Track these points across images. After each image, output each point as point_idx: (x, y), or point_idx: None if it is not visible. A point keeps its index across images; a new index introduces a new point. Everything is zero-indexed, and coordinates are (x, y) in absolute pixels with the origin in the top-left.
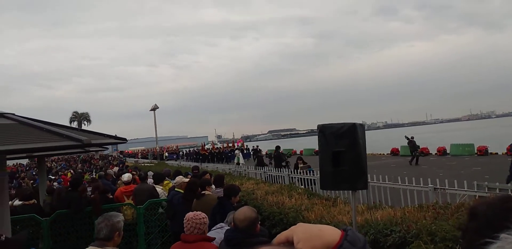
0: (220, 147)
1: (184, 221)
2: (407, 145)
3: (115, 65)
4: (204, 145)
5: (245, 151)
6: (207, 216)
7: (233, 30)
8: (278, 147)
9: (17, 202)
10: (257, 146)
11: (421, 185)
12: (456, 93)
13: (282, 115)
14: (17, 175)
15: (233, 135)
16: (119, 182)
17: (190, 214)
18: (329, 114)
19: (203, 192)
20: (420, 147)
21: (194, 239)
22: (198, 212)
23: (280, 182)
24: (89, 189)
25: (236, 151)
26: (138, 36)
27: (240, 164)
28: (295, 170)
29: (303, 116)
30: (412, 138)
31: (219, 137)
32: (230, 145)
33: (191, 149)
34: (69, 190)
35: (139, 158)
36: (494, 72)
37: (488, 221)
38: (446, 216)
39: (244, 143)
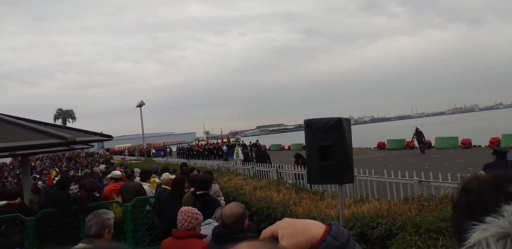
0: (214, 143)
1: (178, 214)
2: (414, 135)
3: (100, 61)
4: (198, 141)
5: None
6: (201, 213)
7: (219, 25)
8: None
9: (1, 202)
10: (257, 140)
11: (407, 178)
12: (440, 87)
13: (269, 110)
14: (0, 174)
15: (221, 131)
16: (105, 181)
17: (184, 207)
18: (316, 109)
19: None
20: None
21: (185, 235)
22: (193, 208)
23: (269, 177)
24: (75, 186)
25: (223, 147)
26: (122, 32)
27: (239, 160)
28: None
29: (290, 112)
30: (418, 128)
31: (207, 133)
32: (225, 140)
33: (183, 145)
34: (56, 188)
35: (125, 155)
36: (477, 66)
37: (480, 197)
38: (431, 208)
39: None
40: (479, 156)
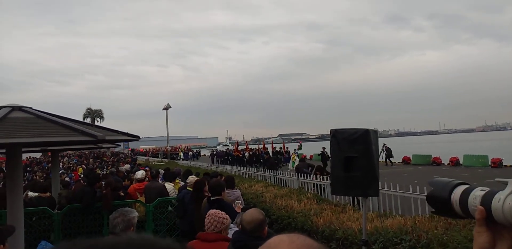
0: (255, 149)
1: (206, 217)
2: (385, 151)
3: (126, 64)
4: (238, 145)
5: (286, 155)
6: (229, 218)
7: (243, 34)
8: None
9: (32, 194)
10: (324, 148)
11: None
12: (470, 104)
13: (292, 119)
14: (30, 168)
15: (243, 137)
16: (124, 183)
17: (212, 210)
18: (339, 120)
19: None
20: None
21: (215, 238)
22: (222, 212)
23: (289, 186)
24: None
25: (245, 154)
26: (149, 37)
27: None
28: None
29: (313, 121)
30: (385, 144)
31: (230, 138)
32: (268, 146)
33: (221, 148)
34: (84, 185)
35: (149, 156)
36: (509, 83)
37: None
38: (458, 227)
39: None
40: (511, 177)
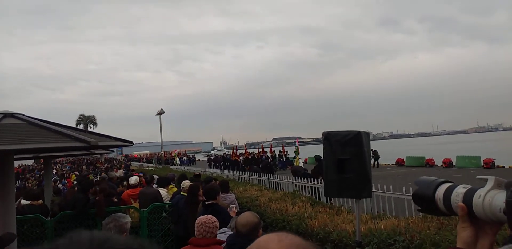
0: (254, 152)
1: (196, 225)
2: (373, 154)
3: (121, 70)
4: (236, 149)
5: (282, 158)
6: (217, 220)
7: (237, 38)
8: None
9: (24, 202)
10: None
11: None
12: (462, 106)
13: (287, 123)
14: (22, 176)
15: (238, 141)
16: (121, 187)
17: (202, 218)
18: (334, 123)
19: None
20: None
21: (207, 243)
22: (210, 216)
23: (284, 189)
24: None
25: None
26: (143, 43)
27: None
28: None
29: (308, 125)
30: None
31: (224, 143)
32: (267, 150)
33: (217, 153)
34: (76, 191)
35: (143, 162)
36: (501, 85)
37: None
38: (451, 227)
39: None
40: (502, 177)
